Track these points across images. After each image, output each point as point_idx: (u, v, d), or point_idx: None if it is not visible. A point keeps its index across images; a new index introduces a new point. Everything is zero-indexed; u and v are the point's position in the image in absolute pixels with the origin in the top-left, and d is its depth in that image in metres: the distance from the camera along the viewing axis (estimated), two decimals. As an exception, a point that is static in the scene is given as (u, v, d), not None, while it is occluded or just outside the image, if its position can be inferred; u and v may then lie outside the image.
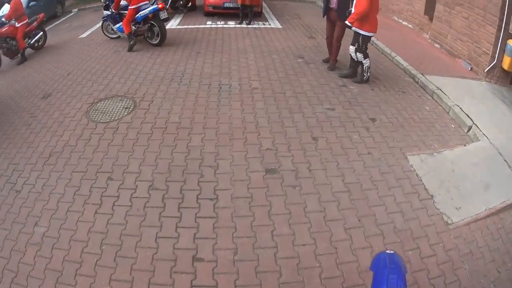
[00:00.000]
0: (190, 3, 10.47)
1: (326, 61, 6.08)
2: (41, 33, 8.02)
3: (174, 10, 9.88)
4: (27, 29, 7.48)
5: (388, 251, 1.83)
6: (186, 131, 4.19)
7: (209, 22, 9.05)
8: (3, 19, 7.18)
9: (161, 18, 7.02)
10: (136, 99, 4.95)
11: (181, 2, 10.12)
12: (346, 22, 5.00)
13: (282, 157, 3.77)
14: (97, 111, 4.74)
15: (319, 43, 7.22)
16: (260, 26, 8.72)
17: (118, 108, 4.77)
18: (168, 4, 9.33)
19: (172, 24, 8.85)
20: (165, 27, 7.22)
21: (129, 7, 6.87)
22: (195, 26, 8.70)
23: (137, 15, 6.91)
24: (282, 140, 4.04)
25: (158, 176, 3.53)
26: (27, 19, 7.41)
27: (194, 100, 4.91)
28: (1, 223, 3.23)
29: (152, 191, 3.37)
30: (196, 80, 5.53)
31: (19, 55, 7.35)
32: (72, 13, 11.76)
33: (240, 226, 2.99)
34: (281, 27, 8.70)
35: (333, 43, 5.64)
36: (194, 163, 3.69)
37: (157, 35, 7.16)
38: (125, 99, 5.00)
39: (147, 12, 6.86)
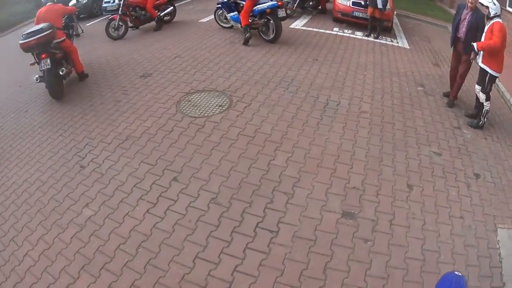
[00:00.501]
0: (320, 6, 11.14)
1: (446, 95, 6.21)
2: (171, 8, 9.82)
3: (303, 9, 10.62)
4: (157, 2, 9.22)
5: (456, 273, 1.97)
6: (273, 146, 4.23)
7: (336, 29, 9.51)
8: None
9: (279, 16, 7.52)
10: (234, 98, 5.26)
11: (311, 3, 10.75)
12: (474, 44, 5.07)
13: (367, 201, 3.67)
14: (189, 103, 5.20)
15: (443, 73, 7.40)
16: (387, 42, 9.16)
17: (211, 104, 5.13)
18: (296, 3, 10.04)
19: (298, 24, 9.52)
20: (281, 25, 7.78)
21: None
22: (321, 30, 9.20)
23: (255, 8, 7.49)
24: (373, 180, 3.96)
25: (225, 190, 3.63)
26: None
27: (295, 112, 4.98)
28: (55, 193, 3.84)
29: (212, 205, 3.47)
30: (304, 90, 5.66)
31: (155, 22, 9.19)
32: (199, -4, 13.84)
33: (288, 271, 2.90)
34: (408, 47, 9.08)
35: (456, 79, 5.86)
36: (268, 185, 3.68)
37: (272, 31, 7.76)
38: (223, 96, 5.36)
39: (265, 6, 7.40)
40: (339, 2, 9.87)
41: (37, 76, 5.81)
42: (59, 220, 3.48)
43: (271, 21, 7.57)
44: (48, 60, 5.64)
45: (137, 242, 3.13)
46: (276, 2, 7.29)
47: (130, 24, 9.11)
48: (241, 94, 5.35)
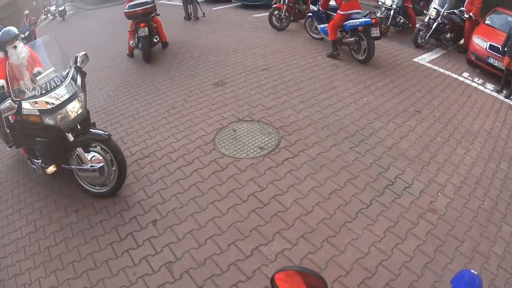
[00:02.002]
0: (462, 40, 9.15)
1: None
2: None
3: (438, 41, 8.99)
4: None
5: (472, 271, 1.95)
6: (278, 227, 3.54)
7: (465, 74, 7.66)
8: None
9: (372, 35, 6.97)
10: (283, 142, 4.65)
11: (448, 36, 8.88)
12: None
13: None
14: (233, 133, 4.82)
15: None
16: (520, 104, 7.18)
17: (253, 142, 4.66)
18: (430, 32, 8.57)
19: (424, 58, 8.09)
20: (374, 44, 7.19)
21: (338, 12, 7.11)
22: (446, 72, 7.56)
23: (346, 23, 7.09)
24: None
25: (186, 259, 3.27)
26: None
27: (341, 184, 4.05)
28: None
29: (163, 269, 3.20)
30: (377, 153, 4.63)
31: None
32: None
33: None
34: (541, 117, 6.85)
35: None
36: (232, 277, 3.13)
37: (364, 51, 7.28)
38: (273, 135, 4.78)
39: (357, 23, 6.92)
40: (476, 41, 7.93)
41: (132, 41, 7.45)
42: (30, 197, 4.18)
43: (364, 41, 7.13)
44: (146, 29, 7.13)
45: (52, 268, 3.31)
46: (369, 19, 6.79)
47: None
48: (294, 139, 4.68)
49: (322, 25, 7.86)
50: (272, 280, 1.32)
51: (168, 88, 6.26)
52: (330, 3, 7.61)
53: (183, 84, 6.37)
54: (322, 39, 8.21)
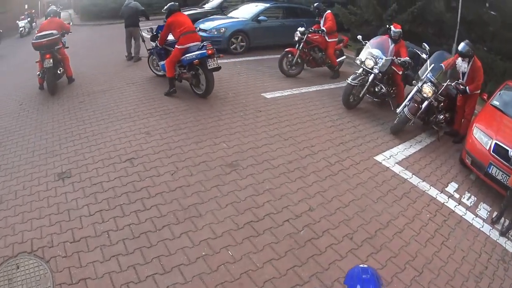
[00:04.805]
0: (454, 127, 7.18)
1: None
2: (344, 57, 9.56)
3: (426, 124, 7.08)
4: (337, 46, 9.31)
5: (361, 265, 2.01)
6: None
7: (451, 187, 5.38)
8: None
9: (209, 67, 6.75)
10: None
11: (442, 116, 6.71)
12: None
13: None
14: (13, 273, 3.59)
15: None
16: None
17: None
18: (420, 112, 6.39)
19: (395, 155, 5.87)
20: (213, 77, 7.06)
21: (176, 46, 6.88)
22: (420, 185, 5.20)
23: (183, 58, 6.91)
24: None
25: None
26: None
27: None
28: None
29: None
30: None
31: (327, 68, 9.52)
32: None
33: None
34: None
35: None
36: None
37: (203, 84, 7.10)
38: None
39: (193, 56, 6.76)
40: (477, 135, 5.52)
41: (39, 72, 7.83)
42: None
43: (202, 74, 6.99)
44: (51, 60, 7.48)
45: None
46: (205, 51, 6.67)
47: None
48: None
49: (162, 62, 7.68)
50: None
51: (18, 169, 5.23)
52: (168, 38, 7.41)
53: (35, 165, 5.24)
54: (164, 76, 7.78)
